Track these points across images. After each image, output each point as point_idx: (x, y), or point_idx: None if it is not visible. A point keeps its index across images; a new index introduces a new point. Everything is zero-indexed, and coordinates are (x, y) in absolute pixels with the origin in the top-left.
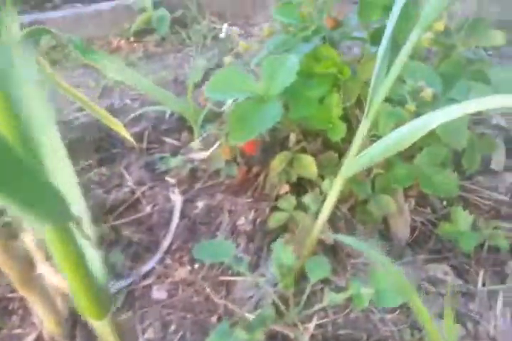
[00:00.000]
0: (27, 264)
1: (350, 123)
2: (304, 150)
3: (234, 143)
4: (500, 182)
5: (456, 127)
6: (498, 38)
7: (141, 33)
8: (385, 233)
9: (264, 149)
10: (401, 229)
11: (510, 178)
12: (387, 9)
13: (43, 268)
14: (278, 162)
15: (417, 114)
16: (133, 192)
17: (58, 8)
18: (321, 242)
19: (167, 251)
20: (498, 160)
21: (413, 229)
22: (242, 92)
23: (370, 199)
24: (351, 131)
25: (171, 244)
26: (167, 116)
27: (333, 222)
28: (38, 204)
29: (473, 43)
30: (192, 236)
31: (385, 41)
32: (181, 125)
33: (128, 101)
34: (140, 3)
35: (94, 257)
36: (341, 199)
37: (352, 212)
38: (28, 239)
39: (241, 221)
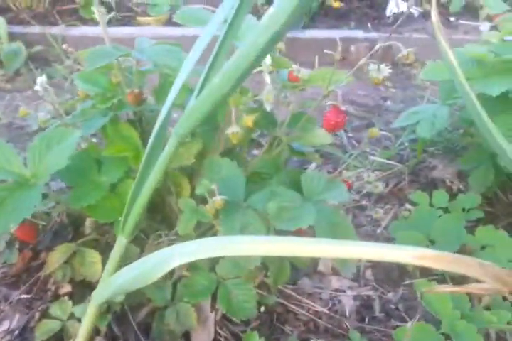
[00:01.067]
0: None
1: (156, 213)
2: (92, 244)
3: None
4: (325, 288)
5: None
6: (323, 136)
7: None
8: None
9: (57, 232)
10: None
11: (336, 283)
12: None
13: None
14: (58, 255)
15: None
16: None
17: None
18: None
19: None
20: (326, 262)
21: None
22: (1, 172)
23: (168, 308)
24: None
25: None
26: None
27: (116, 337)
28: None
29: (299, 139)
30: None
31: (149, 143)
32: None
33: None
34: None
35: None
36: (136, 306)
37: (151, 317)
38: None
39: (2, 327)
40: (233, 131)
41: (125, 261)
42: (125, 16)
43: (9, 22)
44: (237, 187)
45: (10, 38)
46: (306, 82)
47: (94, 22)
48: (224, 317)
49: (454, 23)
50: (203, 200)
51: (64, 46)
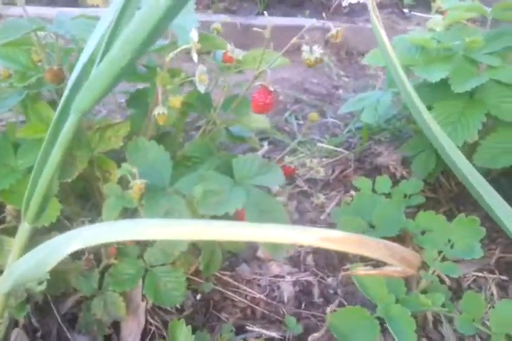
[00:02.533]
0: None
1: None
2: (12, 232)
3: None
4: (264, 274)
5: None
6: (261, 121)
7: None
8: (113, 338)
9: None
10: (132, 334)
11: (276, 269)
12: None
13: None
14: None
15: None
16: None
17: None
18: None
19: None
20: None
21: (147, 334)
22: None
23: (95, 298)
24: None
25: None
26: None
27: (35, 329)
28: None
29: (234, 123)
30: None
31: (52, 123)
32: None
33: None
34: None
35: None
36: (59, 297)
37: (78, 307)
38: None
39: None
40: (159, 111)
41: None
42: None
43: None
44: (162, 172)
45: None
46: (240, 64)
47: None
48: (156, 305)
49: (407, 14)
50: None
51: None
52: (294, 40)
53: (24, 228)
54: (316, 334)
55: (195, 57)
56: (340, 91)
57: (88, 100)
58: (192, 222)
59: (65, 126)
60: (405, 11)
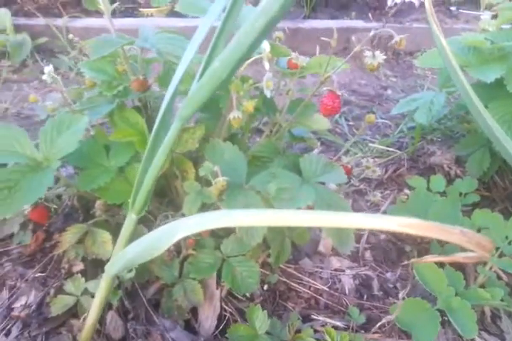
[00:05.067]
0: None
1: (163, 197)
2: (103, 224)
3: None
4: (326, 268)
5: None
6: (321, 122)
7: None
8: (192, 322)
9: (68, 214)
10: (207, 319)
11: (337, 263)
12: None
13: None
14: (70, 235)
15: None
16: None
17: None
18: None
19: None
20: (326, 243)
21: (222, 320)
22: (15, 156)
23: (176, 285)
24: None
25: None
26: None
27: (127, 311)
28: None
29: (298, 124)
30: None
31: (155, 127)
32: None
33: None
34: None
35: None
36: (145, 283)
37: (160, 294)
38: None
39: (19, 302)
40: (234, 115)
41: (134, 239)
42: (128, 7)
43: (14, 14)
44: (239, 170)
45: (15, 29)
46: (305, 69)
47: (97, 14)
48: (229, 294)
49: (454, 12)
50: (207, 183)
51: (70, 36)
52: (358, 48)
53: (131, 219)
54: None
55: (267, 65)
56: (389, 91)
57: (191, 109)
58: (278, 210)
59: (170, 131)
60: (452, 8)
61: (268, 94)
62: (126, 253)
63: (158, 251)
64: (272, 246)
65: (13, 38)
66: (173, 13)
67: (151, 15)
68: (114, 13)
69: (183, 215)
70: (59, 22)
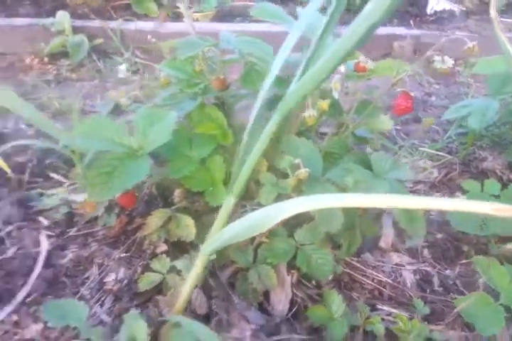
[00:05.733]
0: None
1: None
2: (184, 211)
3: (91, 200)
4: (387, 262)
5: (331, 212)
6: (386, 122)
7: (57, 56)
8: (265, 305)
9: (148, 201)
10: (279, 303)
11: (397, 259)
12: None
13: None
14: (155, 219)
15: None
16: None
17: None
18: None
19: (22, 303)
20: (387, 239)
21: (293, 304)
22: (112, 144)
23: (251, 269)
24: None
25: (28, 295)
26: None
27: (209, 290)
28: None
29: (363, 125)
30: (53, 290)
31: (252, 116)
32: (72, 161)
33: (23, 127)
34: (58, 26)
35: None
36: (221, 266)
37: (235, 277)
38: None
39: (110, 277)
40: (310, 114)
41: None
42: (173, 12)
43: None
44: (315, 164)
45: (73, 31)
46: (373, 72)
47: (145, 17)
48: (299, 281)
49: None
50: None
51: (148, 37)
52: (429, 53)
53: (229, 202)
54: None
55: (342, 67)
56: (433, 98)
57: (292, 104)
58: (360, 194)
59: (270, 124)
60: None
61: (336, 95)
62: (224, 234)
63: (261, 230)
64: (344, 236)
65: (72, 38)
66: (216, 18)
67: (197, 20)
68: (159, 18)
69: (259, 204)
70: (112, 24)
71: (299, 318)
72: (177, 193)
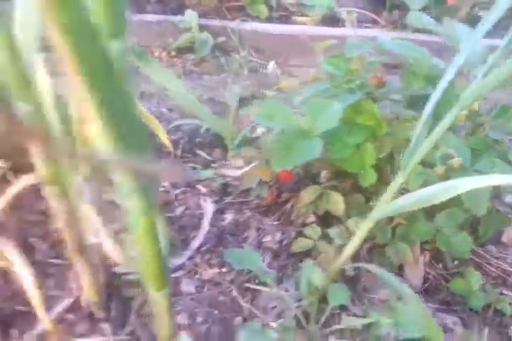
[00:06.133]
0: (84, 232)
1: (380, 173)
2: (333, 189)
3: (276, 169)
4: (509, 255)
5: (480, 195)
6: None
7: (183, 50)
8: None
9: (296, 180)
10: (415, 277)
11: None
12: (428, 80)
13: (101, 236)
14: (308, 193)
15: (444, 178)
16: (167, 192)
17: None
18: (341, 274)
19: (197, 251)
20: (510, 234)
21: (425, 280)
22: (288, 124)
23: (389, 245)
24: (380, 180)
25: (201, 245)
26: (202, 131)
27: (352, 258)
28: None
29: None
30: (220, 243)
31: (428, 110)
32: (215, 141)
33: (164, 110)
34: (186, 23)
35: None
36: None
37: (370, 253)
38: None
39: (267, 238)
40: (461, 113)
41: None
42: (282, 15)
43: None
44: (464, 155)
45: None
46: None
47: (259, 19)
48: (430, 261)
49: None
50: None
51: (301, 38)
52: None
53: (399, 179)
54: None
55: None
56: None
57: (466, 102)
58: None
59: (448, 117)
60: None
61: None
62: (395, 204)
63: (437, 200)
64: (483, 221)
65: (199, 35)
66: (322, 22)
67: (304, 24)
68: (270, 20)
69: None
70: (230, 24)
71: (431, 293)
72: (323, 174)
